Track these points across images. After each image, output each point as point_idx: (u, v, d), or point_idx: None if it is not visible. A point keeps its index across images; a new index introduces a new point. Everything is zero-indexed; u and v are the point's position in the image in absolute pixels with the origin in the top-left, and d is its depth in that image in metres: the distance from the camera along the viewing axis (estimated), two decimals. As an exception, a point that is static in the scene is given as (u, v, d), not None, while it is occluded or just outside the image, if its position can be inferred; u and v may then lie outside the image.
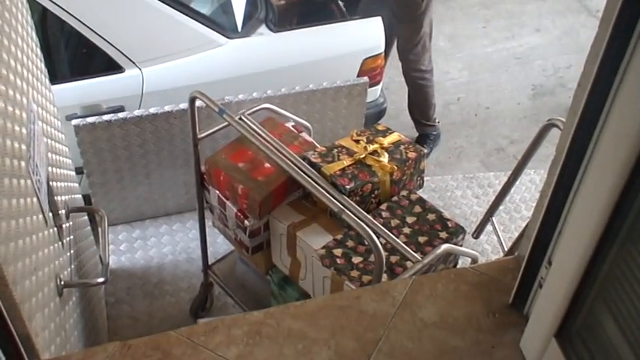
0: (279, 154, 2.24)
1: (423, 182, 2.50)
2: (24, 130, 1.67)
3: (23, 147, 1.62)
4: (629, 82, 1.22)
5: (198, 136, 2.52)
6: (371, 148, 2.36)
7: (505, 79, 4.91)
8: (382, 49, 3.52)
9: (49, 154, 2.09)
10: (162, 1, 3.14)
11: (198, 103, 2.46)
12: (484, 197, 3.64)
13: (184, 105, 2.88)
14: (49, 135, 2.16)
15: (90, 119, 2.92)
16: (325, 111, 3.23)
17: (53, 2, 2.95)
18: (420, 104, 4.24)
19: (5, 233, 1.36)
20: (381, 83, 3.71)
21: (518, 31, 5.38)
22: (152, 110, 2.99)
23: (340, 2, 4.00)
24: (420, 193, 2.48)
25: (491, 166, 4.24)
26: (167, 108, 3.00)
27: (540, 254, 1.49)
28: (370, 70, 3.50)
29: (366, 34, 3.52)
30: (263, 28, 3.37)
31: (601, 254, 1.27)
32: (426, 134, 4.33)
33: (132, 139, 3.03)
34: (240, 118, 2.46)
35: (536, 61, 5.07)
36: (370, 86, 3.37)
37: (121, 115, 2.97)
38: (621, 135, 1.23)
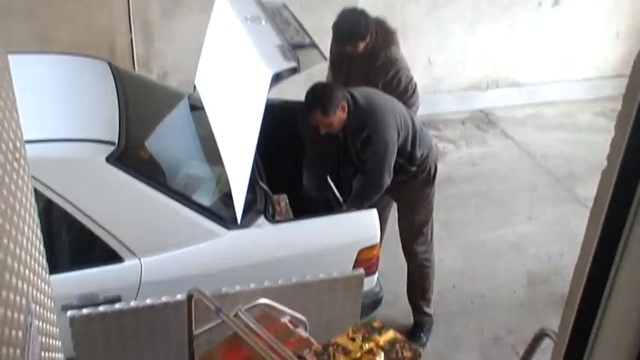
0: (274, 354, 2.23)
1: (419, 381, 2.46)
2: (20, 334, 1.67)
3: (18, 351, 1.62)
4: (618, 298, 1.25)
5: (194, 333, 2.52)
6: (367, 346, 2.35)
7: (500, 267, 4.97)
8: (377, 240, 3.60)
9: (42, 352, 2.07)
10: (164, 193, 3.26)
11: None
12: (483, 391, 3.57)
13: (181, 295, 2.89)
14: (44, 332, 2.15)
15: (85, 310, 2.92)
16: (321, 303, 3.24)
17: (57, 193, 3.05)
18: (422, 287, 4.31)
19: None
20: (377, 272, 3.75)
21: (510, 218, 5.51)
22: (149, 301, 2.99)
23: (335, 190, 4.15)
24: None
25: (490, 357, 4.19)
26: (164, 299, 3.00)
27: None
28: (366, 261, 3.56)
29: (362, 225, 3.62)
30: (262, 220, 3.45)
31: None
32: (422, 323, 4.33)
33: (127, 330, 3.00)
34: (237, 314, 2.47)
35: (530, 249, 5.16)
36: (366, 276, 3.41)
37: (117, 306, 2.96)
38: (613, 351, 1.25)
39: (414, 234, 4.14)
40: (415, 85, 4.51)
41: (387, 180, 3.75)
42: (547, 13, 7.18)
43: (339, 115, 3.69)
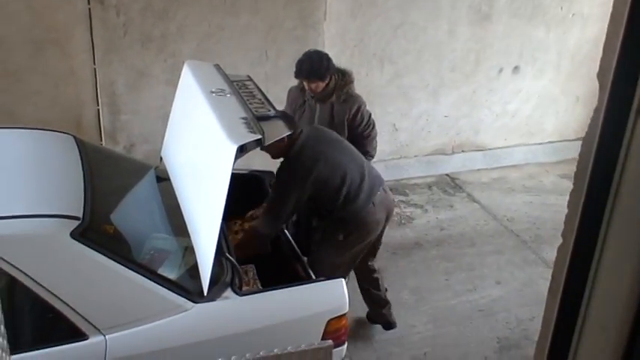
0: None
1: None
2: (-23, 423, 1.62)
3: None
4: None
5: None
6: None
7: (470, 332, 4.95)
8: (346, 309, 3.58)
9: None
10: (129, 268, 3.21)
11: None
12: None
13: (147, 373, 2.84)
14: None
15: (48, 391, 2.84)
16: (291, 376, 3.19)
17: (20, 271, 2.98)
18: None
19: None
20: (346, 343, 3.71)
21: (479, 283, 5.52)
22: (113, 379, 2.93)
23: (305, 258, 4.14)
24: None
25: None
26: (129, 376, 2.95)
27: None
28: (335, 331, 3.52)
29: (330, 295, 3.59)
30: (229, 292, 3.41)
31: None
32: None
33: (91, 410, 2.93)
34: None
35: (500, 314, 5.15)
36: (335, 347, 3.37)
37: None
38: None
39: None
40: (373, 119, 4.83)
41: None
42: (508, 79, 7.38)
43: (275, 144, 3.75)
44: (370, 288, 4.70)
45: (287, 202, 3.94)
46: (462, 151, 7.57)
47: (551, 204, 6.83)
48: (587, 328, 1.19)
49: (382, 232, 4.40)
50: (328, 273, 3.98)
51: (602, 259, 1.15)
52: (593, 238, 1.15)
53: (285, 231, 4.38)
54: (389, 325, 4.84)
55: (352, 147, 4.32)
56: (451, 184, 7.30)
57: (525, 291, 5.41)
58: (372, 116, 4.83)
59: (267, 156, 4.78)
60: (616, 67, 1.05)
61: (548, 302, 1.32)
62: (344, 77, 4.65)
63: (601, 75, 1.11)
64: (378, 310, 4.80)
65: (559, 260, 1.27)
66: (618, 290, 1.11)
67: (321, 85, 4.55)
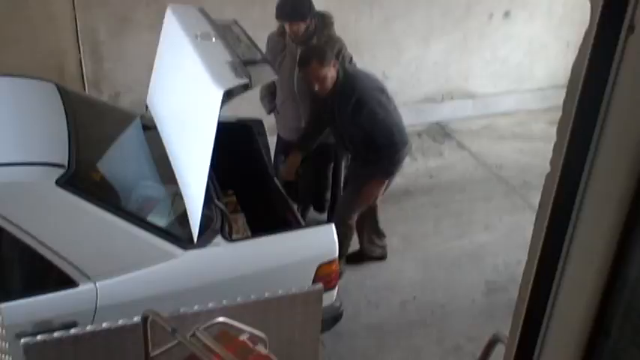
0: (232, 372, 2.20)
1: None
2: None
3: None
4: (563, 300, 1.26)
5: (151, 355, 2.47)
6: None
7: (459, 277, 4.99)
8: (336, 255, 3.59)
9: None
10: (117, 215, 3.20)
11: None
12: (446, 402, 3.56)
13: (138, 318, 2.83)
14: (-7, 361, 2.09)
15: (40, 337, 2.83)
16: (281, 319, 3.20)
17: (6, 219, 2.97)
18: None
19: None
20: (337, 287, 3.74)
21: (467, 228, 5.55)
22: (105, 325, 2.91)
23: (297, 211, 4.14)
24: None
25: (451, 366, 4.20)
26: (120, 322, 2.94)
27: None
28: (325, 276, 3.54)
29: (320, 241, 3.61)
30: (219, 239, 3.41)
31: None
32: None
33: (83, 356, 2.93)
34: (194, 334, 2.43)
35: (487, 258, 5.19)
36: (326, 291, 3.39)
37: (72, 331, 2.89)
38: (560, 352, 1.25)
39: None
40: (355, 63, 4.83)
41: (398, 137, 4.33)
42: (498, 25, 7.30)
43: (332, 71, 4.13)
44: (373, 221, 4.91)
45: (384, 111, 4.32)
46: (452, 98, 7.52)
47: (540, 150, 6.77)
48: (573, 254, 1.19)
49: None
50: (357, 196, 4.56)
51: (589, 185, 1.13)
52: (580, 163, 1.14)
53: (275, 179, 4.36)
54: (384, 256, 5.08)
55: None
56: (441, 132, 7.28)
57: (513, 236, 5.44)
58: (354, 60, 4.79)
59: (255, 104, 4.76)
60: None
61: (536, 230, 1.32)
62: (323, 19, 4.60)
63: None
64: (378, 243, 5.00)
65: (546, 187, 1.26)
66: (604, 215, 1.10)
67: (303, 26, 4.51)
